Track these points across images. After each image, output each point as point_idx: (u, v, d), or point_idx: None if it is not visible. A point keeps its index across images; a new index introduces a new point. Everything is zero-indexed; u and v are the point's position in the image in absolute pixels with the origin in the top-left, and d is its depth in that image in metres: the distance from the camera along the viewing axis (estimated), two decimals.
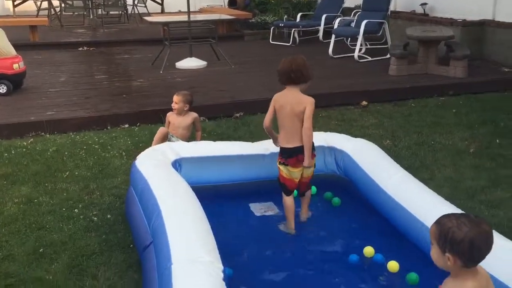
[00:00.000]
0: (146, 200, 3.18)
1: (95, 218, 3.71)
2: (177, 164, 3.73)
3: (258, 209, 3.80)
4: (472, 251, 1.78)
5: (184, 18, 8.84)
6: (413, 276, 2.89)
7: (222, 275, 2.45)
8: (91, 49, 10.43)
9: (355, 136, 5.48)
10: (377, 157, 3.79)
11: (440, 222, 1.85)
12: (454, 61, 7.45)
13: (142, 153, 3.83)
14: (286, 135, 3.45)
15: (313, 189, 3.89)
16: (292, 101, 3.41)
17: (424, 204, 3.12)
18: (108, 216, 3.75)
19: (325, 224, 3.63)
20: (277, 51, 10.11)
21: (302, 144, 3.35)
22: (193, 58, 8.62)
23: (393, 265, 3.00)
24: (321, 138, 4.13)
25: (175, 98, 4.83)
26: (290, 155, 3.41)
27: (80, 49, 10.42)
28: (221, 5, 15.11)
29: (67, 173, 4.54)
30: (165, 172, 3.45)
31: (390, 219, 3.38)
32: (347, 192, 3.91)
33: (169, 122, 4.94)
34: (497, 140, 5.19)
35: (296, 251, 3.26)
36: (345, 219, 3.66)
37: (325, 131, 5.65)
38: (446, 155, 4.85)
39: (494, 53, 8.38)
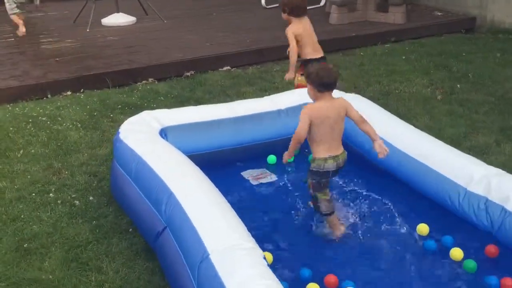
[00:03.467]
0: (146, 181, 2.83)
1: (77, 202, 3.28)
2: (163, 134, 3.37)
3: (253, 177, 3.55)
4: (318, 78, 2.74)
5: None
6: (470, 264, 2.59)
7: (265, 262, 2.22)
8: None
9: None
10: (375, 111, 3.66)
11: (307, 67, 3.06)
12: (393, 7, 7.47)
13: (124, 125, 3.41)
14: (311, 50, 4.29)
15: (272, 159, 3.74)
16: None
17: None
18: (91, 198, 3.33)
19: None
20: (207, 3, 9.62)
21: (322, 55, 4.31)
22: (121, 14, 7.95)
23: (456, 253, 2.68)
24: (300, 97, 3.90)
25: None
26: None
27: None
28: None
29: (21, 152, 3.99)
30: (159, 146, 3.09)
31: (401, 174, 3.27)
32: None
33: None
34: (458, 85, 5.29)
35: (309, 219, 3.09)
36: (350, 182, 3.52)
37: (286, 85, 5.45)
38: (416, 103, 4.85)
39: None
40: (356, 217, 3.04)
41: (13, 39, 7.08)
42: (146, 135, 3.22)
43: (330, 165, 2.77)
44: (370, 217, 3.04)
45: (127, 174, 3.06)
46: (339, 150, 2.82)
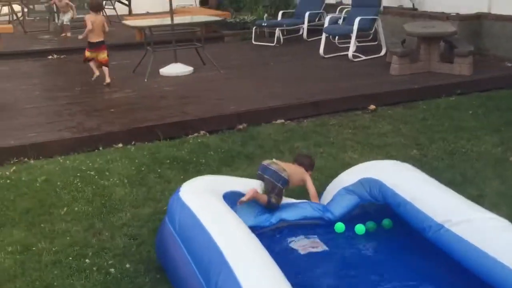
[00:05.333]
0: (198, 245, 2.59)
1: (112, 270, 3.10)
2: (226, 198, 3.17)
3: (302, 246, 3.26)
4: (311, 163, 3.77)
5: (166, 21, 8.19)
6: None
7: None
8: (61, 57, 9.65)
9: (377, 146, 5.07)
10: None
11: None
12: (459, 58, 7.09)
13: (187, 183, 3.20)
14: (94, 36, 7.12)
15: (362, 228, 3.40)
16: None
17: None
18: (127, 265, 3.14)
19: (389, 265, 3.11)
20: (263, 53, 9.59)
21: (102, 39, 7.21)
22: (178, 64, 8.00)
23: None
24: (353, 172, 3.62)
25: None
26: (95, 47, 7.23)
27: (50, 57, 9.63)
28: (192, 5, 14.50)
29: (64, 209, 3.90)
30: (219, 209, 2.86)
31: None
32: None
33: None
34: None
35: None
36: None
37: (342, 141, 5.23)
38: (485, 165, 4.43)
39: (493, 47, 8.08)
40: None
41: (77, 88, 7.22)
42: (208, 197, 3.01)
43: None
44: None
45: (179, 238, 2.83)
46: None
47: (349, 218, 3.44)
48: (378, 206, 3.47)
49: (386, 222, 3.42)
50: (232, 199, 3.17)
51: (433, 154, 4.77)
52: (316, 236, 3.35)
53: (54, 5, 11.64)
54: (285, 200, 3.53)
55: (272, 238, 3.29)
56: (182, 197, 2.97)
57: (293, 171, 3.58)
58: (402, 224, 3.26)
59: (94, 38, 7.16)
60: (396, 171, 3.53)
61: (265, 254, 2.47)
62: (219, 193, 3.08)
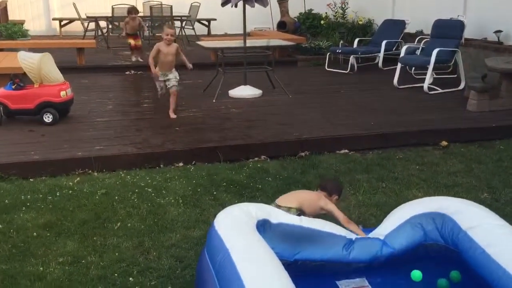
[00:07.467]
0: (227, 279, 2.51)
1: None
2: (262, 227, 3.06)
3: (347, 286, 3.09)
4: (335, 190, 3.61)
5: (238, 43, 8.28)
6: None
7: None
8: (138, 73, 9.99)
9: (444, 185, 4.79)
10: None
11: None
12: None
13: (223, 211, 3.12)
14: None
15: (419, 274, 3.14)
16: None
17: None
18: None
19: None
20: (336, 79, 9.45)
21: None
22: (248, 86, 8.03)
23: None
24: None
25: (171, 31, 6.57)
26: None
27: (127, 72, 9.99)
28: (269, 28, 14.65)
29: (118, 224, 3.95)
30: (251, 241, 2.76)
31: None
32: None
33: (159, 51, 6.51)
34: None
35: None
36: None
37: (407, 177, 4.98)
38: None
39: None
40: None
41: (146, 105, 7.43)
42: (243, 227, 2.92)
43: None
44: None
45: (212, 268, 2.77)
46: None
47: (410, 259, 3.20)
48: (441, 248, 3.22)
49: (454, 274, 3.13)
50: (265, 227, 3.05)
51: (506, 199, 4.43)
52: (365, 278, 3.17)
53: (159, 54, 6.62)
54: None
55: (320, 273, 3.14)
56: (216, 227, 2.88)
57: (306, 200, 3.42)
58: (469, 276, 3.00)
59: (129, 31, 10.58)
60: (473, 213, 3.24)
61: None
62: (254, 223, 2.97)
